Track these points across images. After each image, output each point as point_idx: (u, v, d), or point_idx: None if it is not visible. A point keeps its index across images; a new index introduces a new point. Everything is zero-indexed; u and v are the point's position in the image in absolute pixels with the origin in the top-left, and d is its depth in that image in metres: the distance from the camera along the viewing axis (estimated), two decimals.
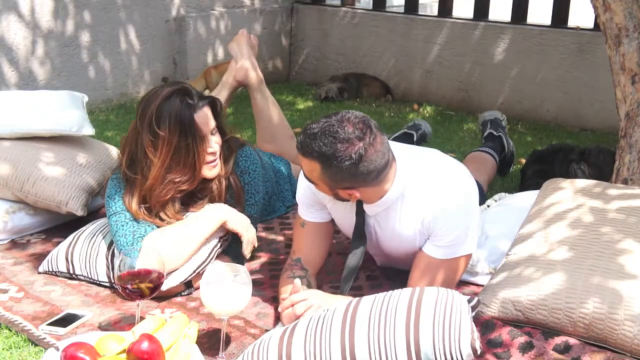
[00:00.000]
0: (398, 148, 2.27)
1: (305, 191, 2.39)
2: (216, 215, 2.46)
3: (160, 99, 2.39)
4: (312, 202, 2.40)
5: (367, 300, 1.97)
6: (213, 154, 2.47)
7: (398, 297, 1.94)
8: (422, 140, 3.82)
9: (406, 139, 3.73)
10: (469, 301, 1.96)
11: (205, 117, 2.43)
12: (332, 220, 2.46)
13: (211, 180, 2.53)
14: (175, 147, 2.38)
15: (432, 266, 2.26)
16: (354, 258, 2.34)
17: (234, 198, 2.59)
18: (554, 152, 3.51)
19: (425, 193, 2.22)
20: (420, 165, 2.27)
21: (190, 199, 2.56)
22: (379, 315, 1.89)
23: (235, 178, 2.59)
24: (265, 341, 1.96)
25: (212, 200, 2.56)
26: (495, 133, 3.66)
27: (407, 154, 2.27)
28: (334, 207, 2.38)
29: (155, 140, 2.38)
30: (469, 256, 2.31)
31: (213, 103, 2.50)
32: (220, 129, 2.54)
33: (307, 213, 2.43)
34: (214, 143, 2.48)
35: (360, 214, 2.31)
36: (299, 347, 1.90)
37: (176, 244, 2.37)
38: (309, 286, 2.29)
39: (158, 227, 2.44)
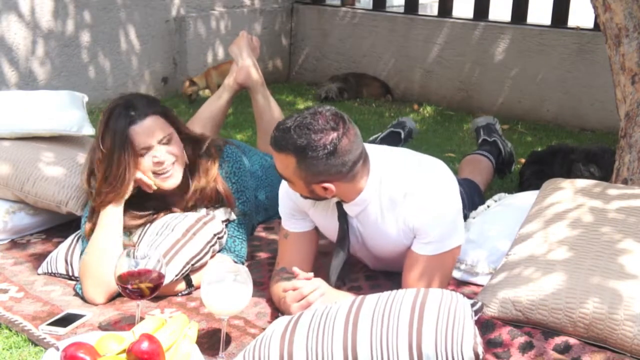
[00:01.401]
0: (369, 147, 2.29)
1: (285, 201, 2.41)
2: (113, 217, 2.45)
3: (106, 115, 2.44)
4: (293, 211, 2.40)
5: (371, 299, 1.97)
6: (159, 163, 2.44)
7: (402, 298, 1.94)
8: (409, 137, 3.78)
9: (394, 137, 3.70)
10: (472, 305, 1.96)
11: (148, 127, 2.42)
12: (316, 228, 2.45)
13: (173, 190, 2.52)
14: (108, 159, 2.41)
15: (424, 264, 2.25)
16: (336, 261, 2.36)
17: (225, 201, 2.60)
18: (553, 154, 3.51)
19: (403, 189, 2.22)
20: (394, 161, 2.28)
21: (183, 205, 2.59)
22: (382, 316, 1.89)
23: (222, 182, 2.60)
24: (267, 337, 1.96)
25: (204, 205, 2.59)
26: (488, 139, 3.63)
27: (379, 152, 2.30)
28: (316, 212, 2.38)
29: (103, 155, 2.42)
30: (459, 247, 2.32)
31: (164, 112, 2.49)
32: (188, 136, 2.55)
33: (289, 224, 2.43)
34: (165, 153, 2.44)
35: (343, 217, 2.31)
36: (301, 345, 1.90)
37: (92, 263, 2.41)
38: None
39: None
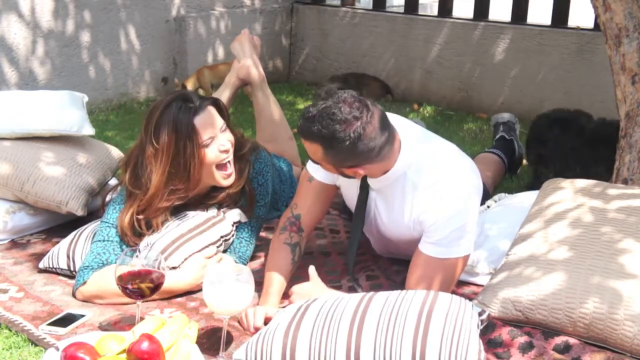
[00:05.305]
0: (413, 129, 2.30)
1: None
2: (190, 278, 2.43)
3: (160, 109, 2.41)
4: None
5: (378, 302, 1.96)
6: (226, 151, 2.47)
7: (409, 304, 1.93)
8: None
9: None
10: (480, 314, 1.95)
11: (209, 117, 2.45)
12: (336, 186, 2.48)
13: (224, 188, 2.54)
14: (174, 154, 2.39)
15: (428, 266, 2.25)
16: (354, 235, 2.41)
17: (247, 202, 2.60)
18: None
19: (428, 182, 2.23)
20: (430, 151, 2.29)
21: (206, 203, 2.58)
22: (387, 322, 1.88)
23: (248, 184, 2.60)
24: (271, 331, 1.96)
25: (223, 205, 2.58)
26: (507, 137, 3.66)
27: (421, 137, 2.31)
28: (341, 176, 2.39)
29: (156, 150, 2.40)
30: (466, 257, 2.31)
31: (216, 102, 2.51)
32: (232, 132, 2.55)
33: (315, 171, 2.45)
34: (225, 140, 2.48)
35: (364, 187, 2.34)
36: (304, 342, 1.90)
37: (110, 295, 2.35)
38: (300, 255, 2.43)
39: (130, 246, 2.41)
